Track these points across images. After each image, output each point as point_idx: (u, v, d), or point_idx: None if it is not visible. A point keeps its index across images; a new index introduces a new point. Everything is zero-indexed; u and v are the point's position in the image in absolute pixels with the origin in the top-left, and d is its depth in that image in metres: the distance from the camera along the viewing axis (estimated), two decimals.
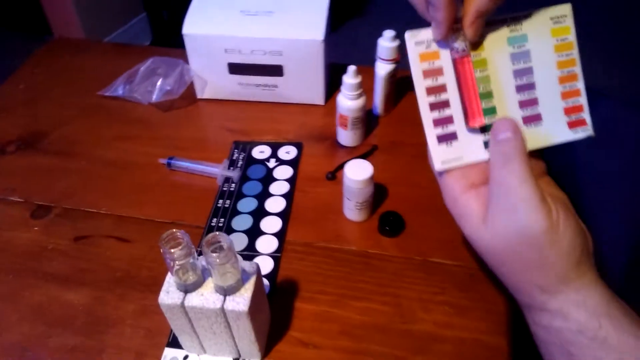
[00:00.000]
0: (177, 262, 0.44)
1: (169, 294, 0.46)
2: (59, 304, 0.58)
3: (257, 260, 0.61)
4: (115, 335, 0.55)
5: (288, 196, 0.68)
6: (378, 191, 0.66)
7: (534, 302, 0.44)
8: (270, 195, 0.68)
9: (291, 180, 0.70)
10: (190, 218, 0.66)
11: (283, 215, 0.66)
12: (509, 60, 0.46)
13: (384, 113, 0.80)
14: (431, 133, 0.46)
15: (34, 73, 0.91)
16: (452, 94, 0.46)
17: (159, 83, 0.79)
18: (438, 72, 0.45)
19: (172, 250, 0.43)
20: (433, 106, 0.45)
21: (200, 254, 0.47)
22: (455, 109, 0.46)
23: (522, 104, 0.47)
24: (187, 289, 0.46)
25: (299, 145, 0.75)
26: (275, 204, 0.67)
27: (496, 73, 0.46)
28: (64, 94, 0.86)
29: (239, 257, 0.50)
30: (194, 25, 0.76)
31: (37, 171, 0.73)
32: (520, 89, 0.46)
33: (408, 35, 0.44)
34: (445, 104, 0.46)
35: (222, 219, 0.65)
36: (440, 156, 0.46)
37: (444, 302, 0.56)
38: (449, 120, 0.46)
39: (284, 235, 0.63)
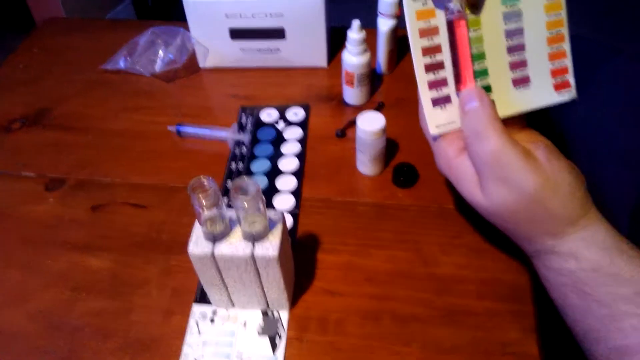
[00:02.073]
0: (205, 210, 0.44)
1: (197, 244, 0.47)
2: (82, 269, 0.58)
3: None
4: (142, 296, 0.55)
5: (300, 155, 0.68)
6: (389, 145, 0.67)
7: (543, 247, 0.44)
8: (283, 155, 0.69)
9: (302, 140, 0.70)
10: None
11: (297, 173, 0.66)
12: (501, 20, 0.46)
13: (387, 71, 0.80)
14: (426, 96, 0.46)
15: (32, 52, 0.90)
16: (446, 56, 0.46)
17: (160, 53, 0.78)
18: (434, 31, 0.45)
19: (200, 197, 0.44)
20: (428, 68, 0.46)
21: (227, 202, 0.47)
22: (449, 71, 0.46)
23: (513, 66, 0.47)
24: (215, 239, 0.47)
25: (306, 107, 0.75)
26: (288, 164, 0.67)
27: (489, 33, 0.46)
28: (64, 71, 0.85)
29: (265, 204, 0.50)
30: None
31: (46, 146, 0.73)
32: (511, 50, 0.47)
33: None
34: (440, 66, 0.46)
35: None
36: (434, 120, 0.46)
37: (462, 245, 0.57)
38: (443, 82, 0.46)
39: (299, 193, 0.64)
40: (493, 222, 0.47)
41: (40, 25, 0.96)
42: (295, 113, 0.74)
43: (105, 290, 0.56)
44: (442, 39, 0.46)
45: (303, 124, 0.73)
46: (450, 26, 0.46)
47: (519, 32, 0.47)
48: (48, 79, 0.84)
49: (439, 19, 0.45)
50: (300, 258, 0.57)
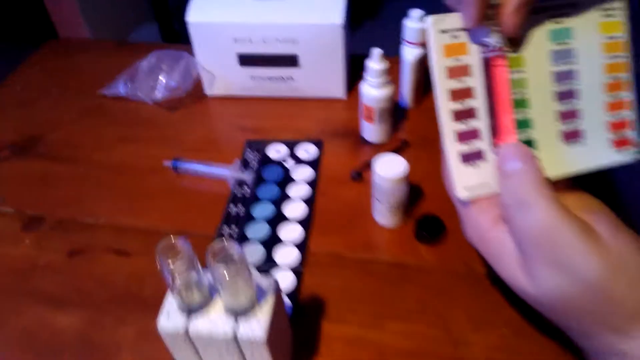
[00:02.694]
0: (177, 277, 0.36)
1: (169, 317, 0.38)
2: (49, 329, 0.50)
3: (276, 275, 0.52)
4: None
5: (309, 200, 0.60)
6: (412, 191, 0.58)
7: (605, 347, 0.34)
8: (289, 199, 0.60)
9: (312, 182, 0.62)
10: (198, 227, 0.58)
11: (304, 221, 0.57)
12: (549, 60, 0.37)
13: (413, 105, 0.71)
14: (453, 150, 0.37)
15: (32, 73, 0.84)
16: (480, 101, 0.37)
17: (162, 79, 0.71)
18: (465, 70, 0.37)
19: (171, 262, 0.35)
20: (457, 115, 0.37)
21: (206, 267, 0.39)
22: (483, 121, 0.37)
23: (563, 116, 0.38)
24: (191, 310, 0.38)
25: (319, 143, 0.67)
26: (294, 209, 0.59)
27: (534, 76, 0.37)
28: (62, 94, 0.79)
29: (254, 271, 0.42)
30: (200, 13, 0.69)
31: (31, 178, 0.66)
32: (560, 97, 0.38)
33: (431, 21, 0.36)
34: (471, 114, 0.37)
35: (235, 227, 0.57)
36: (463, 181, 0.37)
37: (497, 320, 0.47)
38: (475, 134, 0.37)
39: (306, 245, 0.55)
40: (539, 310, 0.37)
41: (44, 44, 0.90)
42: (307, 150, 0.66)
43: (72, 356, 0.48)
44: (476, 80, 0.37)
45: (314, 163, 0.64)
46: (487, 65, 0.37)
47: (571, 75, 0.38)
48: (44, 102, 0.78)
49: (473, 57, 0.36)
50: (302, 327, 0.48)
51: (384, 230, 0.56)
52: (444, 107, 0.36)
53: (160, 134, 0.71)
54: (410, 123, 0.70)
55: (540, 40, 0.37)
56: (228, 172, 0.62)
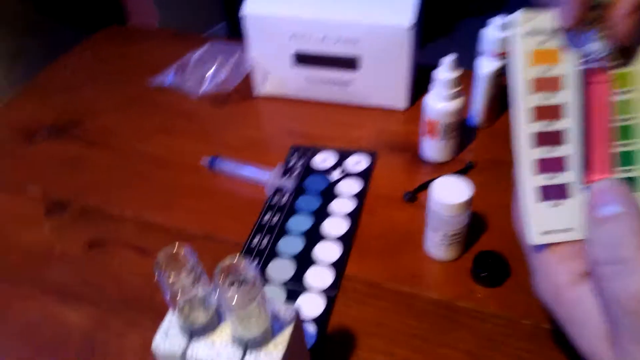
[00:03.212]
0: (180, 292, 0.30)
1: (167, 336, 0.32)
2: (54, 324, 0.46)
3: (304, 298, 0.46)
4: None
5: (353, 217, 0.53)
6: (474, 222, 0.50)
7: None
8: (330, 214, 0.53)
9: (358, 198, 0.55)
10: (227, 232, 0.52)
11: (344, 240, 0.50)
12: None
13: (484, 124, 0.63)
14: (530, 182, 0.29)
15: (83, 57, 0.82)
16: (571, 123, 0.29)
17: (210, 72, 0.67)
18: (555, 83, 0.29)
19: (173, 275, 0.29)
20: (540, 138, 0.29)
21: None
22: (572, 148, 0.29)
23: None
24: (193, 333, 0.32)
25: (372, 155, 0.60)
26: (335, 226, 0.52)
27: None
28: (110, 81, 0.76)
29: (272, 297, 0.35)
30: (257, 5, 0.64)
31: (63, 162, 0.63)
32: None
33: (517, 18, 0.28)
34: (558, 138, 0.29)
35: (267, 238, 0.51)
36: (539, 223, 0.29)
37: None
38: (560, 164, 0.29)
39: (342, 268, 0.48)
40: None
41: (101, 30, 0.89)
42: (358, 162, 0.59)
43: (72, 356, 0.43)
44: (568, 97, 0.29)
45: (364, 177, 0.57)
46: (584, 80, 0.28)
47: None
48: (90, 87, 0.75)
49: (567, 67, 0.29)
50: None
51: (435, 264, 0.48)
52: (524, 127, 0.28)
53: (202, 130, 0.66)
54: (479, 144, 0.61)
55: None
56: (267, 177, 0.56)
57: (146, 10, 1.93)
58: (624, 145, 0.29)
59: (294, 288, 0.47)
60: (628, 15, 0.27)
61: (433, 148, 0.58)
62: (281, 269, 0.48)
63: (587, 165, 0.29)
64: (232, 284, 0.29)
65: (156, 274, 0.30)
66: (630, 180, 0.29)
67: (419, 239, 0.50)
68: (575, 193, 0.29)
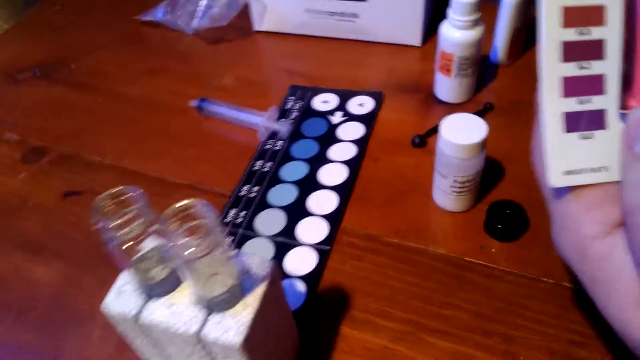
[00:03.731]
0: (124, 241, 0.25)
1: (120, 296, 0.28)
2: (23, 279, 0.42)
3: (295, 252, 0.41)
4: (77, 338, 0.38)
5: (353, 164, 0.47)
6: (489, 169, 0.44)
7: None
8: (329, 160, 0.48)
9: (361, 143, 0.49)
10: (214, 181, 0.48)
11: (342, 189, 0.45)
12: None
13: (507, 61, 0.55)
14: (554, 107, 0.22)
15: None
16: (612, 31, 0.21)
17: (202, 5, 0.60)
18: (594, 15, 0.21)
19: (116, 224, 0.25)
20: (571, 49, 0.22)
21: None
22: (613, 64, 0.22)
23: None
24: (150, 293, 0.28)
25: (377, 96, 0.53)
26: (333, 174, 0.46)
27: None
28: (102, 17, 0.71)
29: (235, 251, 0.30)
30: None
31: (46, 105, 0.58)
32: None
33: None
34: (595, 50, 0.22)
35: (257, 187, 0.46)
36: (564, 159, 0.22)
37: (585, 358, 0.33)
38: (596, 85, 0.22)
39: (339, 220, 0.43)
40: None
41: None
42: (362, 103, 0.53)
43: (38, 316, 0.40)
44: (612, 31, 0.21)
45: (368, 120, 0.51)
46: None
47: None
48: (80, 25, 0.70)
49: None
50: (313, 327, 0.36)
51: (444, 215, 0.43)
52: (552, 33, 0.22)
53: (194, 69, 0.60)
54: (500, 83, 0.54)
55: None
56: (260, 120, 0.51)
57: None
58: None
59: (284, 241, 0.42)
60: None
61: (448, 87, 0.51)
62: (271, 220, 0.43)
63: (630, 85, 0.22)
64: (187, 233, 0.24)
65: (95, 222, 0.25)
66: None
67: (427, 188, 0.44)
68: (611, 123, 0.22)
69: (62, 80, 0.61)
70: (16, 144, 0.54)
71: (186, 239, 0.23)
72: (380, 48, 0.60)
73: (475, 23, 0.46)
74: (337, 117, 0.52)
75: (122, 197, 0.25)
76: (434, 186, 0.43)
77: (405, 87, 0.55)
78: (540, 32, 0.21)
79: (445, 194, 0.41)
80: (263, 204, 0.45)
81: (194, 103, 0.54)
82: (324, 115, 0.52)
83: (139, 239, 0.25)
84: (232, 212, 0.44)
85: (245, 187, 0.46)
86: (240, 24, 0.63)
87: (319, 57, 0.60)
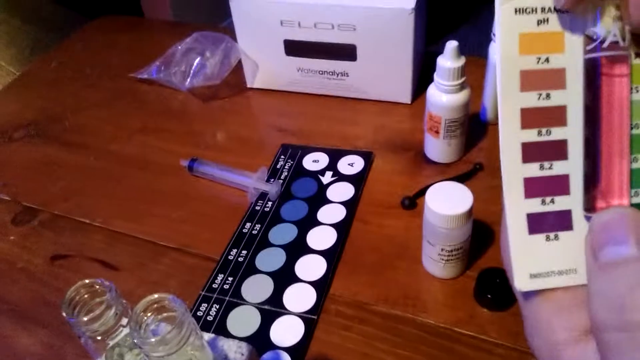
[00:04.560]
0: (94, 335, 0.25)
1: None
2: (7, 347, 0.41)
3: (282, 321, 0.40)
4: None
5: (342, 227, 0.47)
6: (478, 234, 0.43)
7: None
8: (318, 223, 0.47)
9: (350, 204, 0.49)
10: (203, 245, 0.47)
11: (330, 254, 0.45)
12: None
13: (495, 119, 0.56)
14: (517, 209, 0.21)
15: (74, 49, 0.78)
16: (575, 132, 0.21)
17: (195, 64, 0.61)
18: (554, 79, 0.20)
19: (86, 319, 0.24)
20: (532, 151, 0.21)
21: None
22: (576, 165, 0.21)
23: None
24: None
25: (367, 156, 0.54)
26: (322, 237, 0.46)
27: None
28: (97, 75, 0.72)
29: (211, 336, 0.29)
30: None
31: (39, 164, 0.59)
32: None
33: None
34: (558, 151, 0.21)
35: (245, 251, 0.46)
36: (530, 260, 0.21)
37: None
38: (560, 186, 0.21)
39: (326, 287, 0.42)
40: None
41: (95, 20, 0.84)
42: (351, 163, 0.53)
43: None
44: (572, 97, 0.21)
45: (358, 180, 0.51)
46: (593, 74, 0.20)
47: None
48: (76, 81, 0.71)
49: (571, 56, 0.20)
50: None
51: (433, 282, 0.42)
52: (511, 137, 0.21)
53: (186, 127, 0.61)
54: (490, 142, 0.54)
55: None
56: (249, 181, 0.51)
57: (159, 5, 1.89)
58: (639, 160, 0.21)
59: (271, 309, 0.41)
60: None
61: (437, 147, 0.51)
62: (258, 287, 0.43)
63: (597, 186, 0.21)
64: (156, 324, 0.24)
65: (66, 317, 0.24)
66: None
67: (416, 253, 0.44)
68: (577, 224, 0.21)
69: (56, 138, 0.62)
70: (8, 204, 0.54)
71: (154, 338, 0.23)
72: (370, 105, 0.61)
73: (461, 87, 0.47)
74: (327, 177, 0.52)
75: (93, 289, 0.25)
76: (423, 253, 0.42)
77: (395, 145, 0.55)
78: (499, 133, 0.21)
79: (434, 261, 0.41)
80: (251, 269, 0.44)
81: (184, 163, 0.54)
82: (314, 175, 0.52)
83: (109, 332, 0.25)
84: (220, 277, 0.44)
85: (234, 251, 0.46)
86: (235, 81, 0.64)
87: (310, 114, 0.61)
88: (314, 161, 0.54)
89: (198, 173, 0.53)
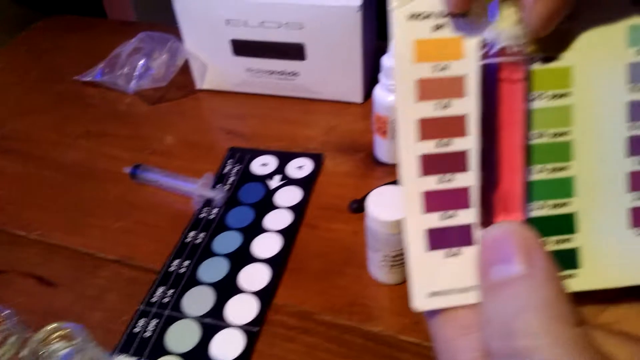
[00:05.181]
0: None
1: None
2: None
3: (222, 335, 0.39)
4: None
5: (288, 233, 0.45)
6: None
7: None
8: (263, 230, 0.46)
9: (298, 209, 0.47)
10: (144, 256, 0.45)
11: (275, 262, 0.43)
12: (621, 79, 0.19)
13: None
14: (416, 222, 0.20)
15: (18, 52, 0.75)
16: (474, 143, 0.20)
17: (139, 65, 0.59)
18: (452, 87, 0.19)
19: None
20: (431, 164, 0.20)
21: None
22: (473, 179, 0.20)
23: (637, 181, 0.20)
24: None
25: (317, 158, 0.52)
26: (267, 245, 0.45)
27: (590, 105, 0.19)
28: (41, 78, 0.69)
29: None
30: None
31: None
32: (637, 147, 0.20)
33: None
34: (458, 163, 0.20)
35: (187, 262, 0.44)
36: (428, 277, 0.20)
37: None
38: (460, 199, 0.20)
39: (270, 297, 0.41)
40: None
41: (38, 23, 0.81)
42: (301, 166, 0.52)
43: None
44: (471, 105, 0.19)
45: (306, 183, 0.50)
46: (491, 80, 0.20)
47: None
48: (18, 85, 0.68)
49: (470, 63, 0.19)
50: None
51: (380, 288, 0.41)
52: (409, 148, 0.19)
53: (132, 132, 0.59)
54: None
55: (609, 43, 0.20)
56: (194, 188, 0.49)
57: (122, 5, 1.84)
58: (552, 170, 0.20)
59: (212, 322, 0.39)
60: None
61: (386, 148, 0.50)
62: (199, 299, 0.41)
63: (490, 200, 0.20)
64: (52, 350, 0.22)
65: None
66: (560, 225, 0.20)
67: (363, 259, 0.42)
68: (479, 239, 0.20)
69: None
70: None
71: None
72: (321, 105, 0.59)
73: None
74: (275, 182, 0.50)
75: None
76: (368, 259, 0.41)
77: (345, 146, 0.54)
78: (398, 144, 0.20)
79: (379, 267, 0.40)
80: (192, 281, 0.43)
81: (127, 170, 0.52)
82: (262, 179, 0.51)
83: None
84: (160, 290, 0.42)
85: (176, 262, 0.44)
86: (184, 82, 0.62)
87: (260, 116, 0.59)
88: (263, 165, 0.52)
89: (142, 180, 0.51)
